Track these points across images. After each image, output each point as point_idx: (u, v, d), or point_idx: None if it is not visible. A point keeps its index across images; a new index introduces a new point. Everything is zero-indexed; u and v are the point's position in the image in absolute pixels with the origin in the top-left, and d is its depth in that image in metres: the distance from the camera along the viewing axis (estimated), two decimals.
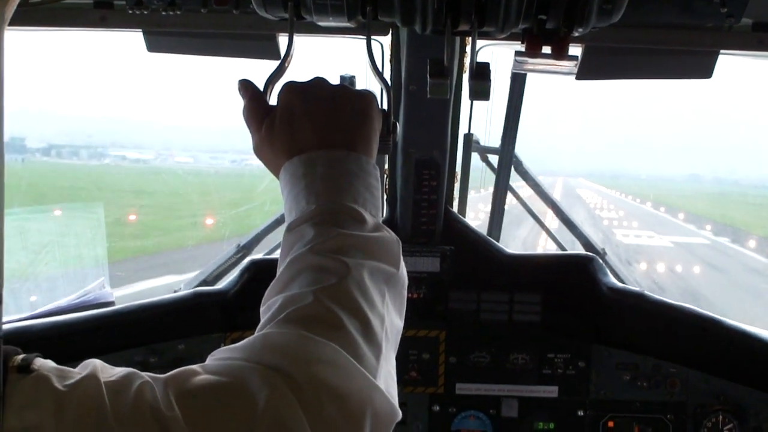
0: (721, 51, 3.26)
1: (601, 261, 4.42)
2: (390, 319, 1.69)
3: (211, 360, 1.52)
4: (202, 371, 1.44)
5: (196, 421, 1.34)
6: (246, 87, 2.03)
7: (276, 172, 1.94)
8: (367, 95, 1.98)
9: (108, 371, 1.42)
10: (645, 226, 52.25)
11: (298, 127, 1.89)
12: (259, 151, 1.99)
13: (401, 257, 1.82)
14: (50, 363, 1.39)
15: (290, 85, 1.96)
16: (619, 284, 4.37)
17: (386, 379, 1.62)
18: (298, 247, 1.73)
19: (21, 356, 1.35)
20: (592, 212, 61.81)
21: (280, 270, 1.75)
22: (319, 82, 1.97)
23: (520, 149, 5.17)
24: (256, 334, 1.57)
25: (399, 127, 4.05)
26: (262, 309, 1.69)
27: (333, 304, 1.58)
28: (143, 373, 1.42)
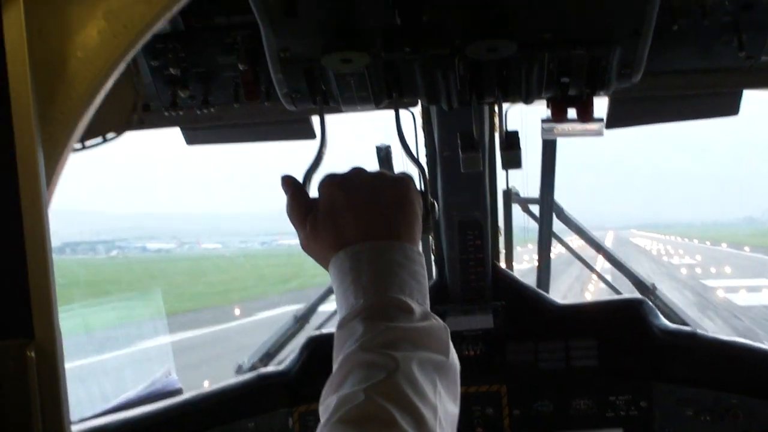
0: (745, 89, 3.30)
1: (650, 304, 4.43)
2: (444, 408, 1.70)
3: None
4: None
5: None
6: (288, 183, 2.06)
7: (325, 265, 1.97)
8: (405, 180, 2.01)
9: None
10: (744, 273, 43.97)
11: (341, 220, 1.92)
12: (306, 247, 2.02)
13: (450, 344, 1.83)
14: None
15: (330, 179, 1.99)
16: (671, 325, 4.38)
17: None
18: (349, 345, 1.75)
19: None
20: (658, 260, 56.09)
21: (334, 368, 1.77)
22: (357, 172, 2.00)
23: (563, 202, 5.21)
24: None
25: (438, 197, 4.14)
26: (320, 409, 1.71)
27: (384, 401, 1.57)
28: None
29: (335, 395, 1.66)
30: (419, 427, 1.58)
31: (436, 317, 1.85)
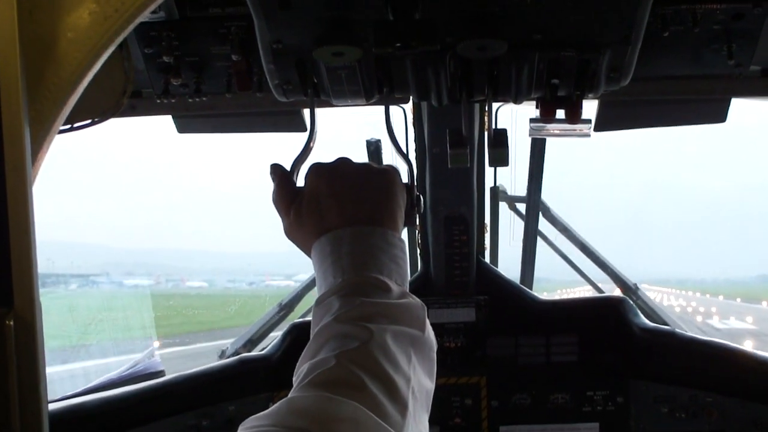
0: (734, 97, 3.34)
1: (631, 302, 4.49)
2: (418, 380, 1.72)
3: (242, 429, 1.55)
4: None
5: None
6: (276, 171, 2.09)
7: (307, 252, 2.00)
8: (390, 172, 2.03)
9: None
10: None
11: (325, 207, 1.94)
12: (289, 233, 2.05)
13: (427, 321, 1.84)
14: None
15: (316, 167, 2.02)
16: (650, 324, 4.45)
17: None
18: (325, 319, 1.78)
19: None
20: (683, 316, 51.25)
21: (309, 343, 1.79)
22: (343, 162, 2.02)
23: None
24: (281, 400, 1.61)
25: (425, 192, 4.17)
26: (293, 378, 1.72)
27: (355, 367, 1.60)
28: None
29: (307, 362, 1.68)
30: (390, 393, 1.60)
31: (414, 297, 1.86)
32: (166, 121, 3.50)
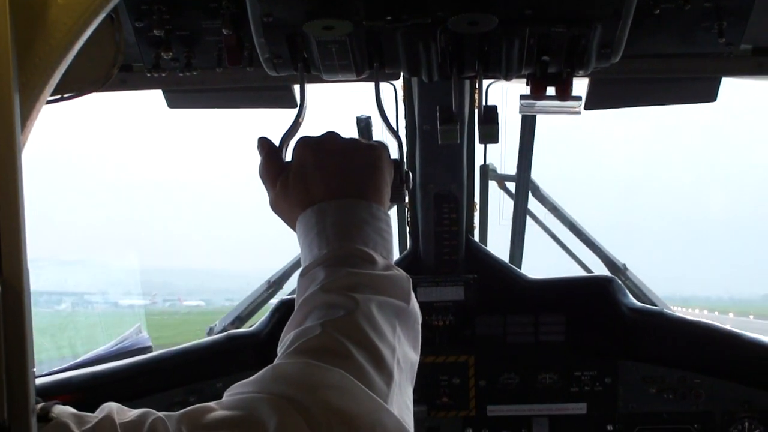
0: (724, 76, 3.34)
1: (620, 282, 4.50)
2: (403, 351, 1.73)
3: (226, 396, 1.57)
4: (217, 407, 1.49)
5: None
6: (263, 144, 2.09)
7: (292, 225, 2.01)
8: (378, 147, 2.04)
9: (125, 413, 1.48)
10: None
11: (310, 180, 1.95)
12: (275, 205, 2.06)
13: (412, 293, 1.85)
14: (69, 409, 1.45)
15: (303, 141, 2.03)
16: (639, 304, 4.46)
17: (400, 407, 1.65)
18: (310, 289, 1.79)
19: (40, 405, 1.39)
20: None
21: (294, 313, 1.80)
22: (331, 136, 2.03)
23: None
24: (266, 367, 1.62)
25: (415, 169, 4.16)
26: (278, 347, 1.74)
27: (340, 336, 1.62)
28: (159, 413, 1.47)
29: (293, 331, 1.70)
30: (376, 362, 1.62)
31: (399, 269, 1.87)
32: (169, 135, 3.49)
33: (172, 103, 3.54)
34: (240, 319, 5.39)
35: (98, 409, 1.48)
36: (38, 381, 3.64)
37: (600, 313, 4.38)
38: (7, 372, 1.10)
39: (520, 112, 2.94)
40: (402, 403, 1.67)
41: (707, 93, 3.49)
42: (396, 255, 1.93)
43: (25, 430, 1.13)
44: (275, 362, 1.64)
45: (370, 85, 2.45)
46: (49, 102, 1.36)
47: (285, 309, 4.38)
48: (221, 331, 5.07)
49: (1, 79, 1.10)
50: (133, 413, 1.48)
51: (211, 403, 1.50)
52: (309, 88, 2.37)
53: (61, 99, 2.16)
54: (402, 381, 1.69)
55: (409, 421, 1.66)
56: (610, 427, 4.35)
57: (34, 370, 1.15)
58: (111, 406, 1.49)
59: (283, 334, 1.76)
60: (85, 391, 3.93)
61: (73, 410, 1.46)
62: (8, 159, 1.10)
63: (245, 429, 1.44)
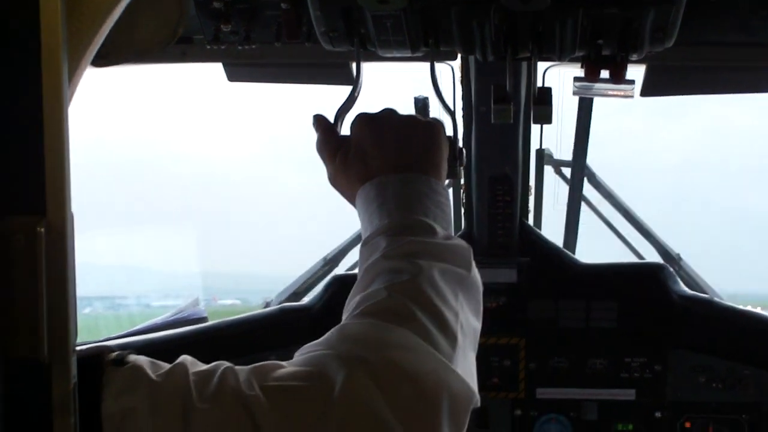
0: None
1: (671, 269, 4.49)
2: (465, 317, 1.76)
3: (297, 356, 1.64)
4: (287, 364, 1.57)
5: (276, 400, 1.46)
6: (319, 121, 2.15)
7: (351, 199, 2.06)
8: (435, 124, 2.09)
9: (198, 365, 1.57)
10: None
11: (370, 154, 2.00)
12: (334, 180, 2.11)
13: (473, 262, 1.89)
14: (144, 357, 1.54)
15: (361, 117, 2.08)
16: (689, 291, 4.46)
17: (464, 368, 1.68)
18: (373, 256, 1.84)
19: (116, 352, 1.50)
20: None
21: (358, 278, 1.86)
22: (388, 113, 2.08)
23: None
24: (333, 328, 1.68)
25: (471, 151, 4.19)
26: (343, 312, 1.79)
27: (406, 299, 1.65)
28: (231, 365, 1.56)
29: (358, 295, 1.75)
30: (440, 325, 1.66)
31: (459, 239, 1.92)
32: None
33: (232, 76, 3.60)
34: (296, 295, 5.45)
35: (173, 363, 1.56)
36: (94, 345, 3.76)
37: (651, 300, 4.37)
38: (48, 312, 1.14)
39: (574, 93, 2.96)
40: (467, 367, 1.71)
41: (766, 83, 3.48)
42: (452, 233, 1.96)
43: (66, 370, 1.17)
44: (342, 323, 1.70)
45: (427, 65, 2.49)
46: (116, 63, 1.41)
47: (339, 284, 4.43)
48: (277, 305, 5.16)
49: (51, 28, 1.14)
50: (207, 366, 1.57)
51: (280, 362, 1.58)
52: (367, 68, 2.42)
53: (125, 60, 2.23)
54: (466, 346, 1.73)
55: (473, 384, 1.69)
56: (658, 414, 4.35)
57: (76, 315, 1.20)
58: (185, 357, 1.59)
59: (348, 299, 1.82)
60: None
61: (147, 358, 1.54)
62: (56, 103, 1.14)
63: (313, 382, 1.50)
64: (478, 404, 1.66)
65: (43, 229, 1.13)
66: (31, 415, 1.15)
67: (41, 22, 1.14)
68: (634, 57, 2.39)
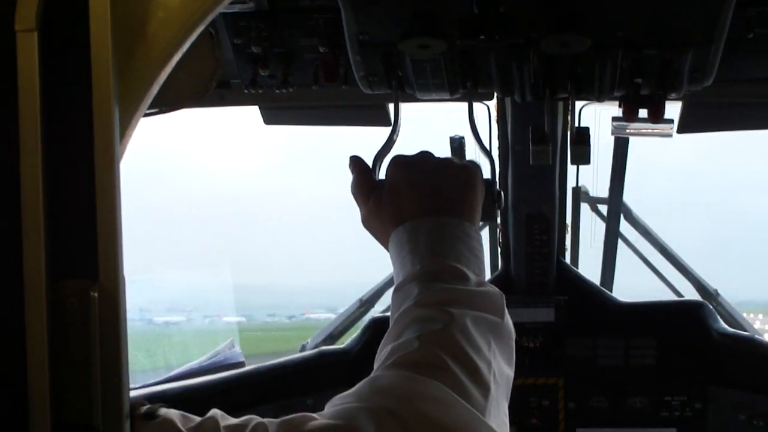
0: None
1: (711, 307, 4.45)
2: (498, 366, 1.73)
3: (328, 407, 1.60)
4: (318, 417, 1.53)
5: None
6: (355, 163, 2.13)
7: (384, 242, 2.02)
8: (471, 167, 2.05)
9: (228, 419, 1.54)
10: None
11: (404, 198, 1.96)
12: (367, 222, 2.08)
13: (505, 309, 1.85)
14: (174, 411, 1.53)
15: (397, 159, 2.05)
16: (729, 329, 4.40)
17: (497, 419, 1.65)
18: (406, 304, 1.80)
19: (147, 406, 1.48)
20: None
21: (390, 326, 1.83)
22: (424, 156, 2.05)
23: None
24: (364, 379, 1.64)
25: (507, 190, 4.18)
26: (375, 360, 1.76)
27: (438, 349, 1.62)
28: (262, 419, 1.53)
29: (390, 345, 1.72)
30: (473, 375, 1.63)
31: (492, 285, 1.88)
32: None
33: (268, 119, 3.63)
34: (332, 337, 5.44)
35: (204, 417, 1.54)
36: (131, 393, 3.77)
37: (691, 337, 4.32)
38: (102, 379, 1.15)
39: (612, 134, 2.97)
40: (499, 418, 1.68)
41: None
42: (487, 276, 1.94)
43: None
44: (373, 374, 1.67)
45: (464, 105, 2.49)
46: (147, 114, 1.43)
47: (376, 327, 4.40)
48: (313, 348, 5.15)
49: (102, 89, 1.16)
50: (237, 420, 1.54)
51: (313, 414, 1.54)
52: (403, 107, 2.42)
53: (160, 111, 2.25)
54: (499, 396, 1.70)
55: None
56: None
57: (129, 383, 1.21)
58: (216, 411, 1.56)
59: (379, 348, 1.79)
60: (178, 405, 4.02)
61: (178, 411, 1.53)
62: (108, 167, 1.16)
63: None
64: None
65: (96, 294, 1.14)
66: None
67: (93, 82, 1.16)
68: (673, 96, 2.38)
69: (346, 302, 5.72)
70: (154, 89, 1.35)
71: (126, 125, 1.29)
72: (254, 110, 3.57)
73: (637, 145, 5.11)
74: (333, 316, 6.54)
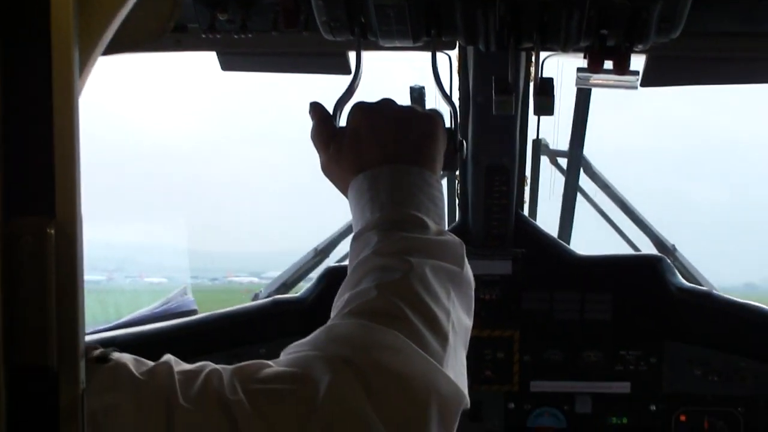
0: None
1: (669, 261, 4.46)
2: (457, 315, 1.72)
3: (283, 355, 1.59)
4: (273, 364, 1.52)
5: (259, 405, 1.41)
6: (315, 109, 2.09)
7: (344, 189, 2.01)
8: (433, 116, 2.03)
9: (182, 364, 1.52)
10: None
11: (365, 145, 1.95)
12: (326, 169, 2.06)
13: (465, 258, 1.85)
14: (127, 355, 1.51)
15: (358, 106, 2.03)
16: (687, 284, 4.42)
17: (455, 370, 1.64)
18: (364, 252, 1.79)
19: (99, 350, 1.47)
20: None
21: (348, 274, 1.82)
22: (386, 103, 2.02)
23: None
24: (321, 327, 1.63)
25: (467, 141, 4.14)
26: (332, 309, 1.75)
27: (396, 298, 1.62)
28: (216, 365, 1.51)
29: (348, 293, 1.71)
30: (431, 325, 1.61)
31: (452, 234, 1.87)
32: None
33: (226, 65, 3.53)
34: (285, 286, 5.41)
35: (157, 362, 1.52)
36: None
37: (648, 292, 4.34)
38: (57, 318, 1.10)
39: (576, 85, 2.93)
40: (457, 368, 1.67)
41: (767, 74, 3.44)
42: (445, 227, 1.93)
43: (74, 375, 1.13)
44: (329, 322, 1.65)
45: (426, 54, 2.44)
46: (106, 53, 1.38)
47: (331, 276, 4.39)
48: (267, 297, 5.11)
49: (61, 26, 1.10)
50: (192, 366, 1.52)
51: (267, 361, 1.53)
52: (365, 55, 2.37)
53: (118, 50, 2.18)
54: (457, 345, 1.69)
55: (463, 386, 1.65)
56: (653, 407, 4.33)
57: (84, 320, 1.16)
58: (169, 357, 1.54)
59: (336, 296, 1.78)
60: (129, 351, 3.98)
61: (131, 356, 1.51)
62: (67, 104, 1.10)
63: (298, 385, 1.45)
64: (468, 406, 1.62)
65: (53, 231, 1.09)
66: (38, 422, 1.11)
67: (52, 18, 1.09)
68: (639, 48, 2.35)
69: (268, 268, 5.73)
70: (114, 26, 1.30)
71: (85, 62, 1.24)
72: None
73: (599, 99, 5.07)
74: (256, 279, 6.54)
